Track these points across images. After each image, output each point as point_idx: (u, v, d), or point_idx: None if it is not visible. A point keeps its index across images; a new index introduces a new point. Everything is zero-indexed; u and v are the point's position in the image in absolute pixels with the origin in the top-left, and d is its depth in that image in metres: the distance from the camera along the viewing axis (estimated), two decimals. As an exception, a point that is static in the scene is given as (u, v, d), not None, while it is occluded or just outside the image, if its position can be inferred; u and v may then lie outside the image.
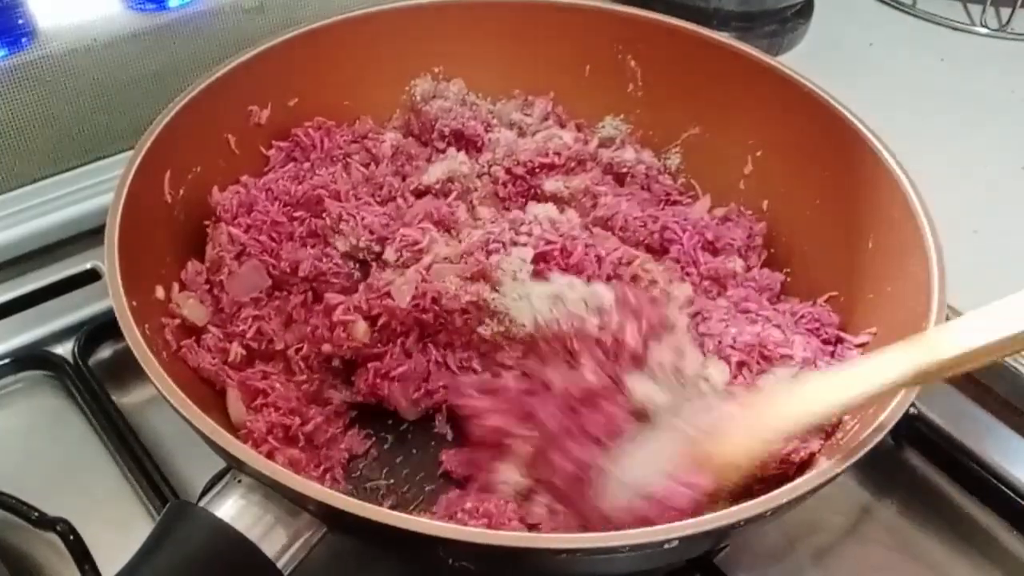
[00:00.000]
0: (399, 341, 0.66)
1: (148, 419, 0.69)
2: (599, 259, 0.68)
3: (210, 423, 0.49)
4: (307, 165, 0.74)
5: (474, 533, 0.47)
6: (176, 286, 0.66)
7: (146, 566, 0.47)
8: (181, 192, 0.67)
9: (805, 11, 1.10)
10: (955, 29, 1.13)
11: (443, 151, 0.78)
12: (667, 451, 0.56)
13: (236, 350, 0.65)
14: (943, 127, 0.97)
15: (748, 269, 0.72)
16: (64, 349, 0.74)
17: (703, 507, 0.53)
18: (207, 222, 0.70)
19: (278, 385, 0.63)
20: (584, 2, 0.79)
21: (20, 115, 0.80)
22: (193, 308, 0.65)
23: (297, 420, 0.62)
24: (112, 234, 0.58)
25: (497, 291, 0.65)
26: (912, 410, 0.68)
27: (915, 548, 0.66)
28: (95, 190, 0.82)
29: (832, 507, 0.67)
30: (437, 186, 0.75)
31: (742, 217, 0.76)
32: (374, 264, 0.69)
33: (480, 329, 0.65)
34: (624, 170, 0.78)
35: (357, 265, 0.70)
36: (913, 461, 0.70)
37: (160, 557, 0.47)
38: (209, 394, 0.63)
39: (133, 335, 0.53)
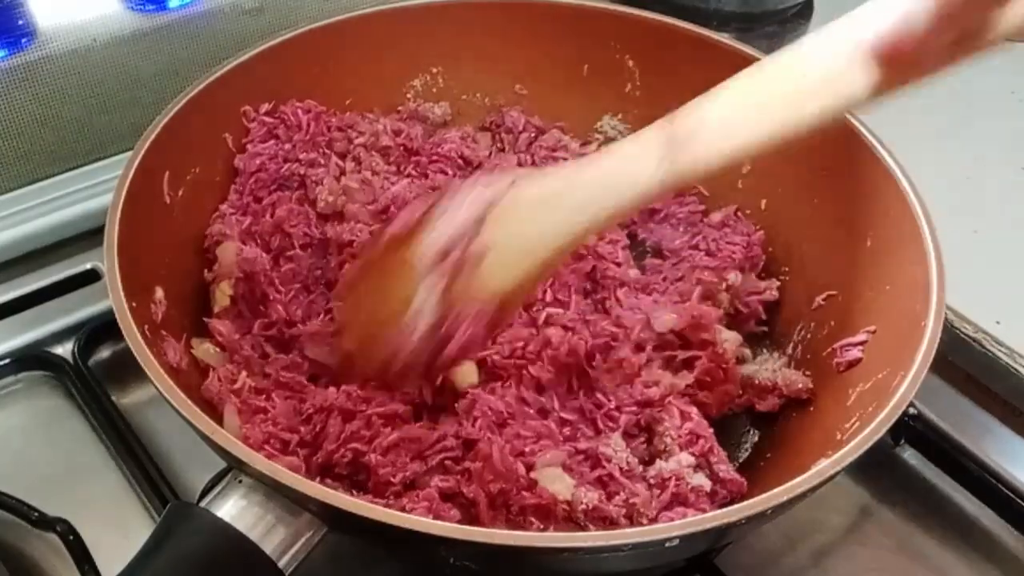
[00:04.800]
0: None
1: (148, 419, 0.69)
2: None
3: (211, 423, 0.49)
4: (288, 146, 0.74)
5: (476, 532, 0.47)
6: (166, 299, 0.63)
7: (147, 567, 0.47)
8: (180, 193, 0.67)
9: (805, 12, 1.10)
10: (955, 29, 1.13)
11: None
12: None
13: (244, 380, 0.62)
14: (943, 127, 0.97)
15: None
16: (64, 349, 0.73)
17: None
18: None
19: (279, 405, 0.61)
20: (582, 2, 0.79)
21: (20, 115, 0.80)
22: (208, 352, 0.64)
23: (296, 437, 0.59)
24: (112, 234, 0.58)
25: None
26: (912, 410, 0.68)
27: (915, 548, 0.66)
28: (95, 190, 0.82)
29: (832, 507, 0.67)
30: None
31: (739, 222, 0.76)
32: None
33: None
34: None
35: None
36: (913, 461, 0.70)
37: (161, 558, 0.47)
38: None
39: (133, 335, 0.53)
